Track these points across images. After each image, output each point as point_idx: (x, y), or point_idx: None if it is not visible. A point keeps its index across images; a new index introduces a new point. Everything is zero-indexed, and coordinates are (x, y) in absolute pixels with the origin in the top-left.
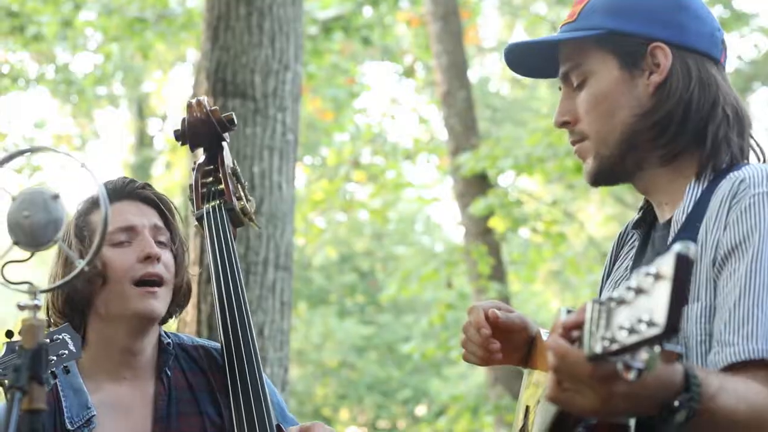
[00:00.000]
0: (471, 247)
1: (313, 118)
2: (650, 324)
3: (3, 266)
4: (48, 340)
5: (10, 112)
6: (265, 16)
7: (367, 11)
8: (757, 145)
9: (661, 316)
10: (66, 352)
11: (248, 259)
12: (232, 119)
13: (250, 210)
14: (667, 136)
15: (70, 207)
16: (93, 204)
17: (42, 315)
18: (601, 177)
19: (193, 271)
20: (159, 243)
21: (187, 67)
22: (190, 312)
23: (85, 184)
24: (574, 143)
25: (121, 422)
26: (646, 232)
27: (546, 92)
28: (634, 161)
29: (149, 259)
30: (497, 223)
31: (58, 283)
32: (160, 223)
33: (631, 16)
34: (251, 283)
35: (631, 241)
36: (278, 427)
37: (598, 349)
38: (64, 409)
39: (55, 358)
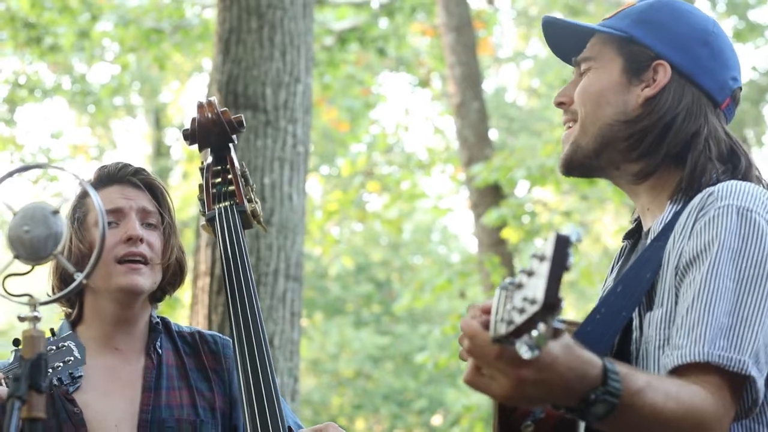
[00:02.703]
0: (484, 257)
1: (328, 128)
2: (532, 302)
3: (4, 279)
4: (54, 347)
5: (28, 123)
6: (276, 30)
7: (383, 22)
8: (758, 177)
9: (540, 292)
10: (71, 358)
11: (259, 270)
12: (242, 121)
13: (260, 213)
14: (640, 150)
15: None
16: (92, 185)
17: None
18: (573, 165)
19: (204, 281)
20: (148, 225)
21: (204, 77)
22: (201, 323)
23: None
24: (565, 122)
25: (110, 387)
26: (636, 241)
27: None
28: (608, 159)
29: (131, 240)
30: (510, 234)
31: (57, 295)
32: (149, 207)
33: (654, 31)
34: (262, 293)
35: (623, 251)
36: (290, 429)
37: (501, 330)
38: None
39: (61, 364)
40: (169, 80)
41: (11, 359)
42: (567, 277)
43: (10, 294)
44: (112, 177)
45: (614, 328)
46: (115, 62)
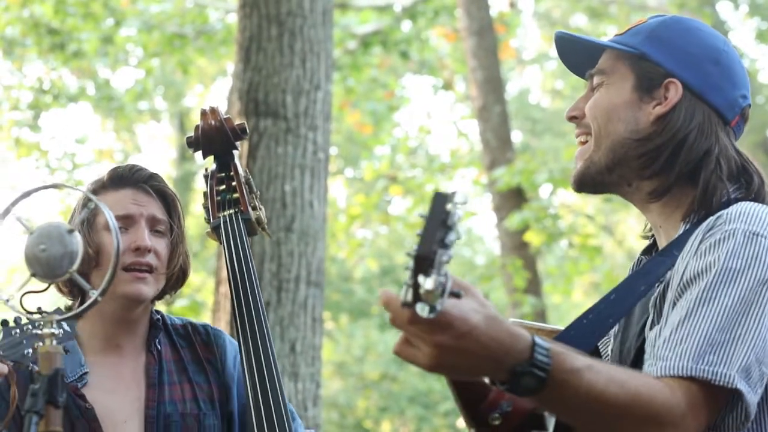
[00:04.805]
0: (507, 260)
1: (352, 131)
2: (410, 256)
3: (21, 296)
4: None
5: (52, 129)
6: (296, 37)
7: (405, 26)
8: None
9: (416, 247)
10: (61, 331)
11: (280, 276)
12: (245, 128)
13: (264, 220)
14: (653, 168)
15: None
16: (104, 185)
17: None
18: (586, 181)
19: (227, 287)
20: (156, 232)
21: (228, 81)
22: (223, 329)
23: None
24: (578, 136)
25: (115, 385)
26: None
27: None
28: (621, 175)
29: (139, 250)
30: (533, 237)
31: (72, 313)
32: (159, 214)
33: (666, 49)
34: (283, 299)
35: (638, 265)
36: None
37: (405, 293)
38: None
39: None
40: (193, 84)
41: (1, 335)
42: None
43: (27, 311)
44: (124, 180)
45: (598, 334)
46: (138, 67)
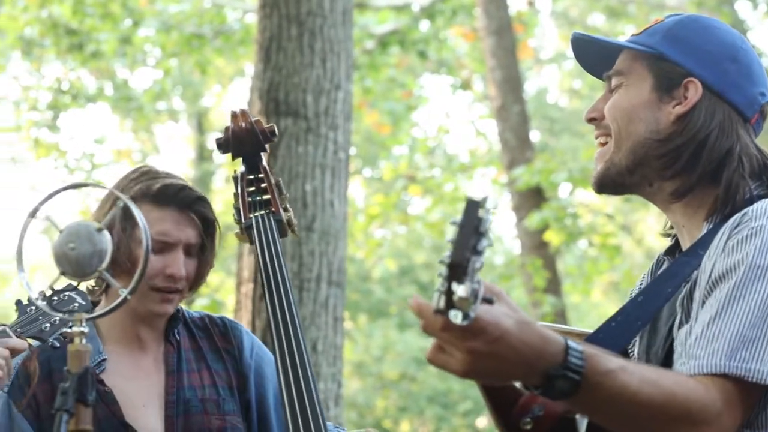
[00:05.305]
0: (526, 260)
1: (370, 131)
2: (444, 264)
3: (51, 295)
4: (55, 298)
5: (71, 129)
6: (316, 37)
7: (424, 25)
8: None
9: (449, 253)
10: (76, 305)
11: (301, 276)
12: (274, 131)
13: (294, 221)
14: (675, 169)
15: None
16: (148, 196)
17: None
18: (606, 182)
19: (248, 287)
20: (188, 254)
21: (246, 81)
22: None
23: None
24: (597, 137)
25: (134, 373)
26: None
27: None
28: (642, 176)
29: (172, 277)
30: (552, 237)
31: (101, 312)
32: (196, 239)
33: (684, 48)
34: (304, 299)
35: (659, 265)
36: None
37: (438, 300)
38: None
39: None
40: (211, 84)
41: (18, 314)
42: (609, 278)
43: (56, 310)
44: (169, 199)
45: (626, 336)
46: (157, 67)
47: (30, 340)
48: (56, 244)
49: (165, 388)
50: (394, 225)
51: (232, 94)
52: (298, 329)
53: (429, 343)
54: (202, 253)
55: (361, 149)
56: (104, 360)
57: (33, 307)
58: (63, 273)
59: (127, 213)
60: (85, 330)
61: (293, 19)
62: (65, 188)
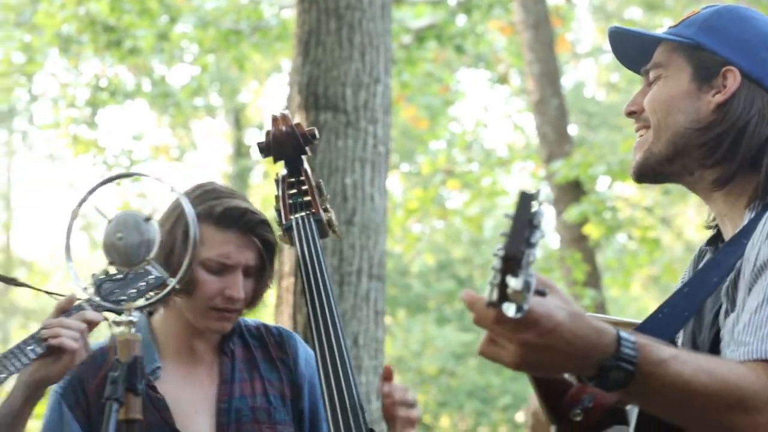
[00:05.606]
0: (565, 253)
1: (408, 126)
2: (498, 257)
3: (99, 285)
4: (132, 273)
5: (109, 126)
6: (355, 31)
7: (460, 19)
8: None
9: (503, 246)
10: (152, 278)
11: (342, 270)
12: (314, 133)
13: (334, 221)
14: (715, 157)
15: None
16: (211, 217)
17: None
18: (646, 172)
19: (289, 281)
20: (247, 275)
21: (283, 77)
22: (286, 323)
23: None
24: (638, 130)
25: (187, 381)
26: (717, 249)
27: None
28: (682, 165)
29: (231, 300)
30: (591, 230)
31: (150, 301)
32: (256, 261)
33: (721, 38)
34: (345, 293)
35: (701, 256)
36: (371, 430)
37: (490, 293)
38: None
39: (144, 284)
40: (248, 80)
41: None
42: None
43: (104, 299)
44: (232, 222)
45: (673, 327)
46: (194, 63)
47: (106, 313)
48: (105, 234)
49: (217, 396)
50: (431, 219)
51: (269, 89)
52: (339, 332)
53: (468, 337)
54: (261, 274)
55: (398, 144)
56: (158, 368)
57: (108, 282)
58: (111, 262)
59: (188, 232)
60: (134, 319)
61: (332, 13)
62: (117, 177)
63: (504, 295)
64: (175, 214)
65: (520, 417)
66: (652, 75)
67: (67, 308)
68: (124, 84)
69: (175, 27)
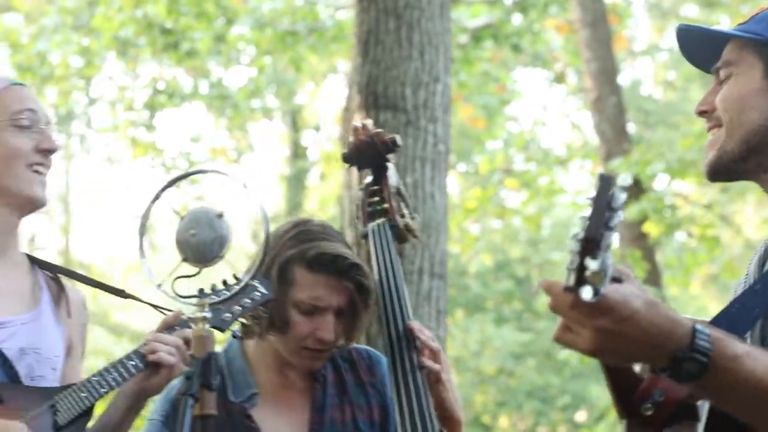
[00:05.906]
0: (625, 252)
1: (465, 126)
2: (577, 239)
3: (173, 281)
4: (237, 288)
5: (167, 128)
6: (413, 30)
7: (517, 18)
8: None
9: (583, 228)
10: (258, 294)
11: (404, 268)
12: (395, 141)
13: (414, 227)
14: None
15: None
16: (303, 260)
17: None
18: (719, 170)
19: None
20: (339, 316)
21: (339, 78)
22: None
23: (247, 201)
24: (710, 129)
25: (281, 408)
26: None
27: (698, 94)
28: (756, 163)
29: (322, 341)
30: (651, 228)
31: (224, 297)
32: (345, 304)
33: None
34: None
35: None
36: None
37: (571, 280)
38: (228, 383)
39: (249, 300)
40: (305, 82)
41: None
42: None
43: (179, 295)
44: (324, 266)
45: (744, 325)
46: (251, 65)
47: (182, 308)
48: (178, 230)
49: (309, 425)
50: (489, 219)
51: (326, 91)
52: (410, 342)
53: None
54: (354, 315)
55: (456, 144)
56: (255, 394)
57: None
58: (185, 259)
59: (282, 272)
60: (208, 315)
61: (391, 13)
62: (192, 173)
63: (581, 279)
64: (271, 255)
65: (579, 416)
66: (722, 73)
67: (173, 324)
68: (182, 86)
69: (231, 29)
